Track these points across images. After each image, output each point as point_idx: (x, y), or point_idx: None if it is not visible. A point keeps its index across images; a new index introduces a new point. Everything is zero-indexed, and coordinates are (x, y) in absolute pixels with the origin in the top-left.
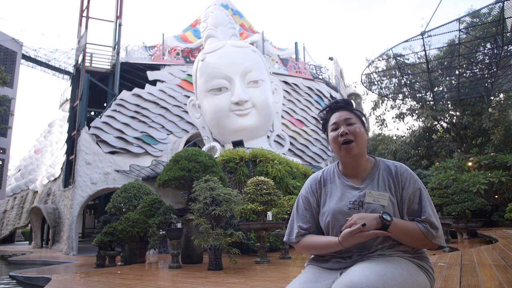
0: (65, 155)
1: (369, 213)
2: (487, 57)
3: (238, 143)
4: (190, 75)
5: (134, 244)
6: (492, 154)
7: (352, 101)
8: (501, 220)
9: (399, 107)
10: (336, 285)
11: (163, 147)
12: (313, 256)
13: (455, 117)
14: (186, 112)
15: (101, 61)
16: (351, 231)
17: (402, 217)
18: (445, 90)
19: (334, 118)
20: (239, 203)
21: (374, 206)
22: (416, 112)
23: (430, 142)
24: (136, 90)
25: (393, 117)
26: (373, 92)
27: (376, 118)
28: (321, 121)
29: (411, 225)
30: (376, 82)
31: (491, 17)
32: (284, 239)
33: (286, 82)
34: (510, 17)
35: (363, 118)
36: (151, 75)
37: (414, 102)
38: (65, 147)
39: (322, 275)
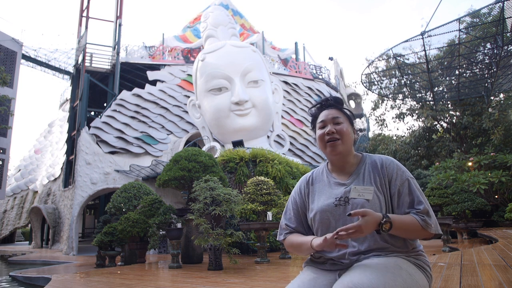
0: (65, 155)
1: (371, 219)
2: (487, 57)
3: (238, 143)
4: (190, 75)
5: (134, 244)
6: (492, 154)
7: (343, 99)
8: (501, 220)
9: (399, 107)
10: (337, 286)
11: (163, 147)
12: (310, 257)
13: (455, 117)
14: (186, 112)
15: (101, 61)
16: (326, 241)
17: (393, 210)
18: (445, 90)
19: (322, 116)
20: (239, 203)
21: (359, 201)
22: (416, 112)
23: (430, 142)
24: (136, 90)
25: (393, 117)
26: (373, 92)
27: (376, 118)
28: (310, 117)
29: (409, 219)
30: (376, 82)
31: (491, 17)
32: (277, 238)
33: (286, 82)
34: (510, 17)
35: (351, 117)
36: (151, 75)
37: (414, 102)
38: (65, 147)
39: (320, 276)
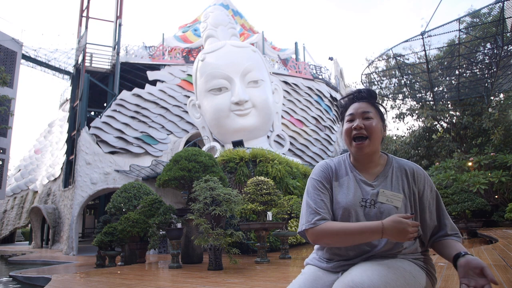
0: (65, 155)
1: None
2: (487, 57)
3: (238, 143)
4: (190, 75)
5: (134, 244)
6: (492, 154)
7: (376, 93)
8: (501, 220)
9: (399, 107)
10: (338, 284)
11: (163, 147)
12: (313, 255)
13: (455, 117)
14: (186, 112)
15: (101, 61)
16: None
17: (420, 220)
18: (445, 90)
19: (352, 108)
20: (239, 203)
21: (386, 206)
22: (416, 112)
23: (430, 142)
24: (136, 90)
25: (393, 117)
26: None
27: None
28: (340, 109)
29: (457, 245)
30: (376, 82)
31: (491, 17)
32: (299, 229)
33: (286, 82)
34: (510, 17)
35: (383, 113)
36: (151, 75)
37: (414, 102)
38: (65, 147)
39: (322, 276)
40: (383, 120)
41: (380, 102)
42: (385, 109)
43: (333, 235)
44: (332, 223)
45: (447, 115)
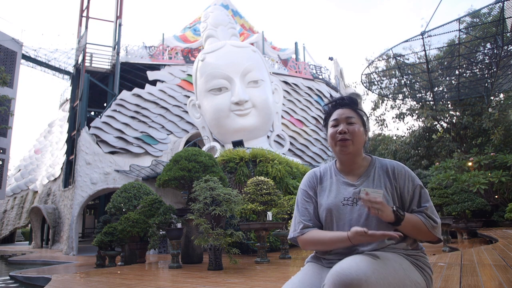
0: (65, 155)
1: (386, 206)
2: (487, 57)
3: (238, 143)
4: (190, 75)
5: (134, 244)
6: (492, 154)
7: (358, 100)
8: (501, 220)
9: (399, 107)
10: (328, 274)
11: (163, 147)
12: (313, 254)
13: (455, 117)
14: (186, 112)
15: (101, 61)
16: (359, 232)
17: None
18: (445, 90)
19: (336, 114)
20: (239, 203)
21: None
22: (416, 112)
23: (430, 142)
24: (136, 90)
25: (393, 117)
26: (373, 92)
27: (376, 118)
28: (323, 114)
29: (416, 218)
30: (376, 82)
31: (491, 17)
32: (288, 237)
33: (286, 82)
34: (510, 17)
35: (365, 118)
36: (151, 75)
37: (414, 102)
38: (65, 147)
39: (321, 273)
40: (364, 125)
41: (380, 103)
42: (366, 115)
43: (314, 244)
44: (312, 233)
45: (447, 115)
